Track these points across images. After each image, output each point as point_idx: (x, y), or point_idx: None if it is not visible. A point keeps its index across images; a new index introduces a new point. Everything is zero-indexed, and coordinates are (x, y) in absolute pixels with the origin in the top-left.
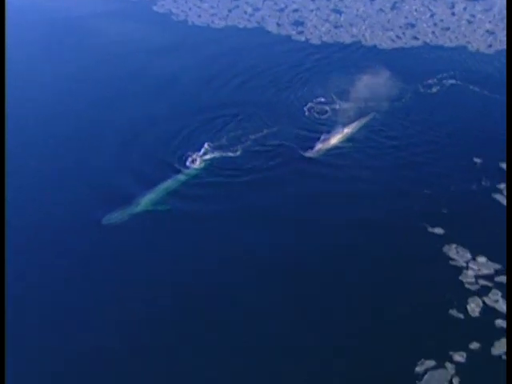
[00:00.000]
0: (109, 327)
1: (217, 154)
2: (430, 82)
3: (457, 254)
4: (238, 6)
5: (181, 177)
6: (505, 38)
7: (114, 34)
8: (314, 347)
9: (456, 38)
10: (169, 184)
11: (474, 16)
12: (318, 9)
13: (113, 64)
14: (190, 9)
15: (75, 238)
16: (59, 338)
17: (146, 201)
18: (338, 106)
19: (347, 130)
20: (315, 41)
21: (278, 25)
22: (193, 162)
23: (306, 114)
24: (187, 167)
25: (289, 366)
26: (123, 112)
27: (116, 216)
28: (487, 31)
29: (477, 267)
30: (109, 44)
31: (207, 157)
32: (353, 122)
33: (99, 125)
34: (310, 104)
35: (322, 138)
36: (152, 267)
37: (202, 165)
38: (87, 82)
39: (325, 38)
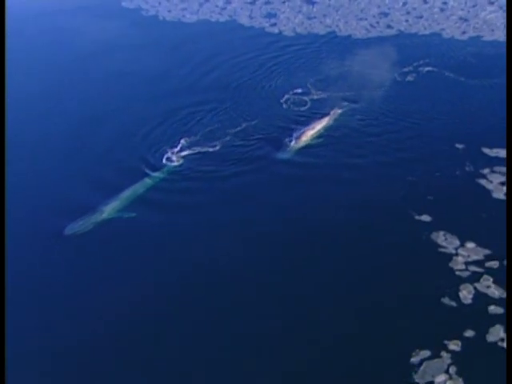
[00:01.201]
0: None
1: (194, 151)
2: (406, 69)
3: (445, 240)
4: (208, 0)
5: (150, 180)
6: (477, 25)
7: (83, 32)
8: (304, 338)
9: (430, 25)
10: (136, 188)
11: (446, 3)
12: (289, 0)
13: (82, 61)
14: (159, 3)
15: (36, 251)
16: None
17: (110, 208)
18: (315, 97)
19: (326, 121)
20: (289, 32)
21: (251, 17)
22: (168, 159)
23: (284, 106)
24: (161, 167)
25: (286, 356)
26: (91, 110)
27: (79, 225)
28: (460, 18)
29: (466, 253)
30: (77, 41)
31: (184, 153)
32: (331, 112)
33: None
34: (287, 95)
35: (301, 130)
36: (117, 279)
37: (179, 162)
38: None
39: (298, 30)
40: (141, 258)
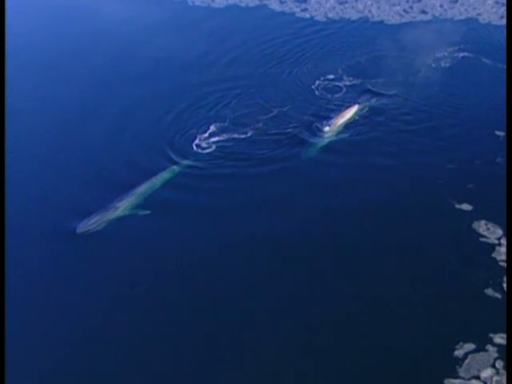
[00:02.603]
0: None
1: (223, 137)
2: (441, 55)
3: (487, 230)
4: None
5: (170, 172)
6: None
7: (110, 15)
8: (346, 330)
9: (466, 10)
10: (154, 182)
11: None
12: None
13: (110, 44)
14: None
15: (48, 251)
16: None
17: (125, 204)
18: (348, 83)
19: (359, 109)
20: (320, 17)
21: (281, 2)
22: (197, 147)
23: (316, 92)
24: (190, 154)
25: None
26: (116, 94)
27: (92, 223)
28: (497, 2)
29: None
30: (107, 25)
31: (214, 139)
32: (365, 99)
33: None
34: (318, 81)
35: (334, 118)
36: (134, 280)
37: (207, 150)
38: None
39: (330, 15)
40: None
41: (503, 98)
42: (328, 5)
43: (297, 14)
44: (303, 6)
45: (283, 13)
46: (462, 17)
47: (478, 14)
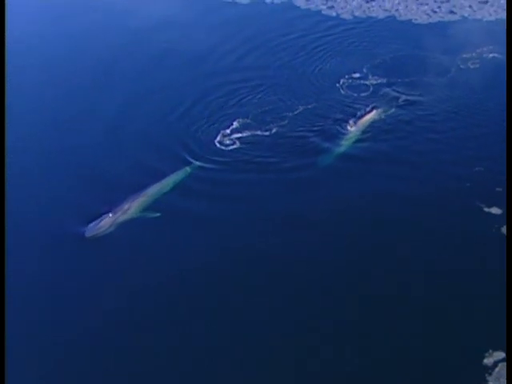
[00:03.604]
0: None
1: (250, 133)
2: (469, 56)
3: None
4: None
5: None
6: None
7: (134, 9)
8: (373, 336)
9: (495, 11)
10: (172, 180)
11: None
12: None
13: (132, 38)
14: None
15: (58, 257)
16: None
17: (135, 206)
18: (374, 82)
19: (385, 110)
20: (346, 15)
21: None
22: (220, 143)
23: (342, 91)
24: (214, 150)
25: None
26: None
27: (100, 226)
28: None
29: None
30: (129, 18)
31: (238, 135)
32: (388, 102)
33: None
34: (343, 79)
35: (360, 118)
36: (145, 280)
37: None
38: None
39: (356, 13)
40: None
41: None
42: (355, 3)
43: (323, 12)
44: (330, 3)
45: (309, 10)
46: (492, 18)
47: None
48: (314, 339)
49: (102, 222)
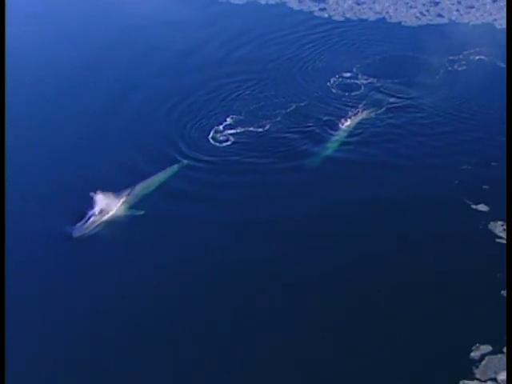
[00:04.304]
0: None
1: (243, 129)
2: (456, 57)
3: (503, 231)
4: None
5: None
6: None
7: (133, 9)
8: (365, 329)
9: (481, 15)
10: (159, 178)
11: None
12: None
13: (127, 36)
14: None
15: (48, 258)
16: None
17: (123, 203)
18: (364, 82)
19: (374, 111)
20: (338, 17)
21: (300, 1)
22: (214, 139)
23: (333, 90)
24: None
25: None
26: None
27: (87, 226)
28: None
29: None
30: (127, 17)
31: (232, 131)
32: (377, 103)
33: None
34: (333, 78)
35: (351, 117)
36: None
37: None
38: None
39: (348, 15)
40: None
41: None
42: (346, 5)
43: (315, 13)
44: (321, 5)
45: (301, 11)
46: (478, 22)
47: (494, 20)
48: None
49: (89, 222)
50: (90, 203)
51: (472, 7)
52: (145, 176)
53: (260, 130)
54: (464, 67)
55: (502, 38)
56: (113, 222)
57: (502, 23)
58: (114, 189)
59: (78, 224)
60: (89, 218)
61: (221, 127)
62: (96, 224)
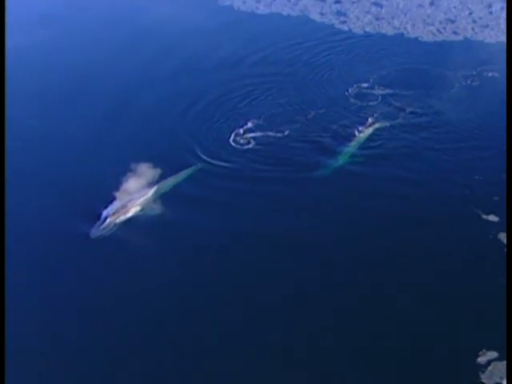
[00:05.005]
0: None
1: (260, 134)
2: (471, 73)
3: None
4: None
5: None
6: None
7: (163, 15)
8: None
9: (495, 34)
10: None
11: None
12: (358, 1)
13: (156, 42)
14: None
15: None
16: None
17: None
18: (381, 92)
19: (379, 126)
20: (358, 30)
21: (321, 14)
22: (235, 142)
23: (352, 100)
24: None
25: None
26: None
27: (104, 227)
28: None
29: None
30: (157, 24)
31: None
32: (389, 115)
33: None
34: (351, 88)
35: (364, 128)
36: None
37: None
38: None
39: (367, 29)
40: None
41: None
42: (366, 19)
43: (335, 26)
44: (342, 18)
45: (322, 23)
46: (492, 40)
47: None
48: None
49: (106, 223)
50: (106, 205)
51: (487, 26)
52: (164, 176)
53: (279, 134)
54: (477, 83)
55: None
56: (127, 224)
57: None
58: (131, 191)
59: (95, 225)
60: (105, 220)
61: (241, 130)
62: (112, 224)
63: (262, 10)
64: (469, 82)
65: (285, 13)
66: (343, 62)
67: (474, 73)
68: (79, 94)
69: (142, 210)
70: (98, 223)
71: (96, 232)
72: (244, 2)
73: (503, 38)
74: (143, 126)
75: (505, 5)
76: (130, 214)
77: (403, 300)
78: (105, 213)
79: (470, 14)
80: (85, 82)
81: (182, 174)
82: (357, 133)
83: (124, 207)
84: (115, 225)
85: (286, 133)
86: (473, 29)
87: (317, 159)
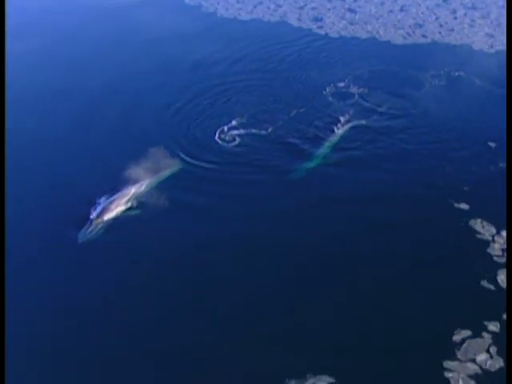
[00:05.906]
0: None
1: (248, 132)
2: (438, 73)
3: (482, 228)
4: (261, 3)
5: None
6: (504, 41)
7: (148, 21)
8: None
9: (461, 38)
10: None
11: (474, 21)
12: (334, 8)
13: (144, 47)
14: (218, 3)
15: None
16: None
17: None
18: (357, 91)
19: (351, 126)
20: (334, 34)
21: (299, 20)
22: (221, 139)
23: (330, 99)
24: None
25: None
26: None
27: (90, 231)
28: (487, 34)
29: (502, 241)
30: (143, 30)
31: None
32: (362, 115)
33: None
34: (328, 88)
35: (342, 126)
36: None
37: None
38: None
39: (343, 33)
40: None
41: (494, 114)
42: (341, 25)
43: (313, 30)
44: (319, 23)
45: (300, 28)
46: (458, 43)
47: (472, 42)
48: None
49: (91, 226)
50: (93, 208)
51: (452, 30)
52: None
53: (263, 131)
54: (444, 82)
55: (479, 58)
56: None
57: (478, 45)
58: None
59: (82, 230)
60: (91, 223)
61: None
62: (99, 228)
63: (243, 16)
64: (437, 81)
65: (265, 19)
66: (320, 63)
67: (441, 73)
68: (56, 92)
69: (124, 211)
70: (85, 226)
71: (83, 236)
72: (227, 10)
73: (467, 41)
74: (123, 128)
75: (467, 12)
76: (113, 215)
77: (379, 294)
78: (91, 216)
79: (437, 19)
80: (63, 81)
81: (164, 174)
82: (336, 129)
83: (107, 209)
84: (101, 228)
85: (270, 130)
86: (439, 32)
87: (291, 161)
